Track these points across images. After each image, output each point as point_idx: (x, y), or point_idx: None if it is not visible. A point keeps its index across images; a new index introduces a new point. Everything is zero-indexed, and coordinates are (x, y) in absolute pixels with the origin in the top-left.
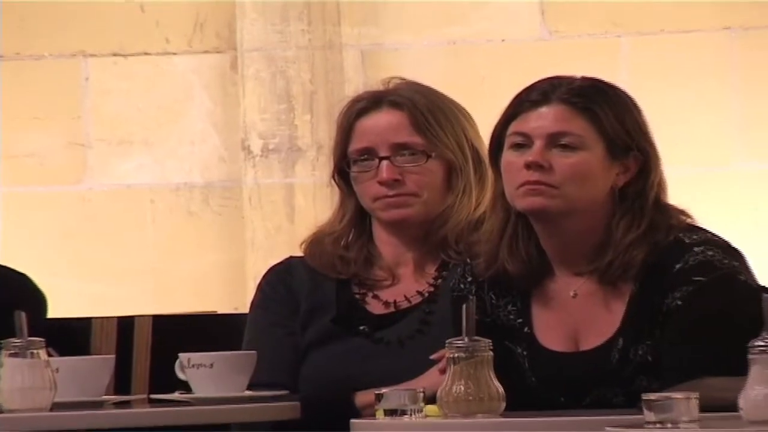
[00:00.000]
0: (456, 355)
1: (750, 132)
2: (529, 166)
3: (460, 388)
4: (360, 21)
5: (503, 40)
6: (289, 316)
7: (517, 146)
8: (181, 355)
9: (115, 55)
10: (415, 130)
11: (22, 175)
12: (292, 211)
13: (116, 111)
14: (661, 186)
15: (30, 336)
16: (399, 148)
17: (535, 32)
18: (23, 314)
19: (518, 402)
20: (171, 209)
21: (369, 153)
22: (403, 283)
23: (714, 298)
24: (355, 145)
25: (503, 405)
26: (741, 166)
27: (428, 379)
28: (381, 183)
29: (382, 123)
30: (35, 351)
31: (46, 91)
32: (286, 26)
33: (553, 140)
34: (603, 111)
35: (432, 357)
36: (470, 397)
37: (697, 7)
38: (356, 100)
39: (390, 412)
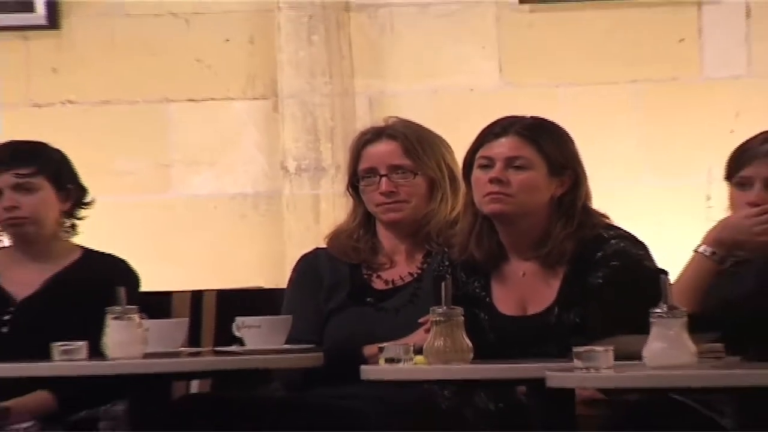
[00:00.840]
0: (437, 319)
1: (653, 158)
2: (491, 181)
3: (440, 343)
4: (368, 75)
5: (471, 90)
6: (315, 291)
7: (483, 167)
8: (237, 318)
9: (189, 100)
10: (405, 155)
11: (123, 188)
12: (318, 214)
13: (190, 141)
14: (587, 196)
15: (127, 305)
16: (394, 168)
17: (495, 84)
18: (122, 289)
19: (482, 353)
20: (229, 213)
21: (372, 172)
22: (399, 266)
23: (625, 278)
24: (362, 165)
25: (471, 355)
26: (647, 182)
27: (417, 337)
28: (381, 193)
29: (382, 150)
30: (131, 315)
31: (141, 127)
32: (313, 79)
33: (509, 162)
34: (545, 141)
35: (420, 320)
36: (447, 350)
37: (612, 65)
38: (363, 133)
39: (389, 361)
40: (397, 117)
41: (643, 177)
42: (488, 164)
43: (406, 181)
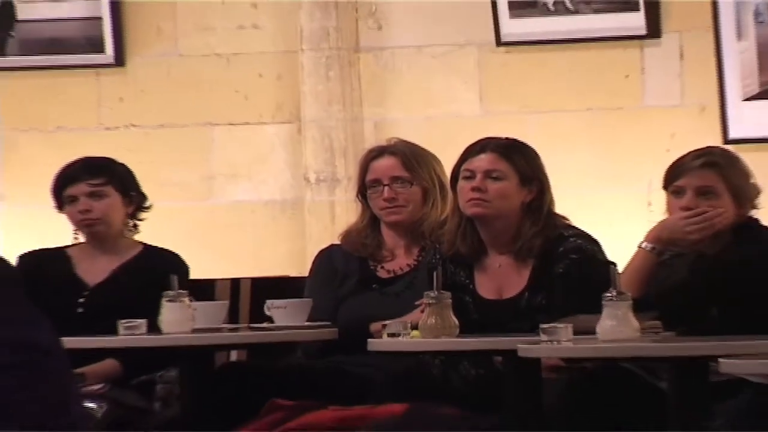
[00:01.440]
0: (430, 301)
1: (605, 171)
2: (473, 189)
3: (432, 321)
4: (374, 104)
5: (457, 116)
6: (331, 279)
7: (466, 177)
8: (267, 300)
9: (229, 124)
10: (404, 168)
11: (176, 195)
12: (334, 217)
13: (231, 157)
14: (551, 202)
15: (179, 290)
16: (395, 179)
17: (476, 111)
18: (175, 277)
19: (466, 330)
20: (262, 216)
21: (377, 182)
22: (399, 259)
23: (582, 269)
24: (369, 177)
25: (457, 331)
26: (599, 191)
27: (413, 316)
28: (384, 200)
29: (384, 164)
30: (182, 298)
31: (191, 146)
32: (330, 107)
33: (487, 174)
34: (517, 157)
35: (416, 303)
36: (438, 326)
37: (571, 96)
38: (370, 151)
39: (391, 335)
40: (397, 138)
41: (596, 186)
42: (470, 176)
43: (405, 189)
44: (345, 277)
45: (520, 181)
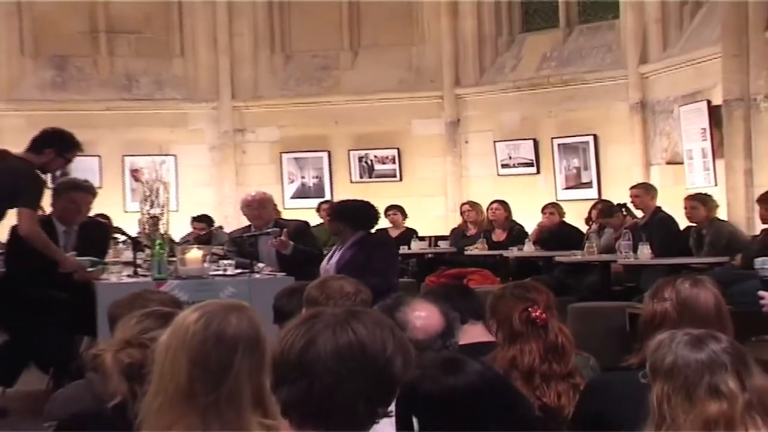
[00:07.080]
0: (481, 240)
1: (523, 208)
2: (492, 214)
3: (480, 246)
4: (465, 196)
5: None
6: (455, 236)
7: (491, 209)
8: (439, 241)
9: (422, 196)
10: (470, 207)
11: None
12: (456, 220)
13: (427, 206)
14: (511, 215)
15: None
16: (469, 211)
17: (491, 192)
18: (413, 235)
19: (489, 249)
20: (438, 220)
21: (464, 212)
22: (472, 230)
23: (520, 234)
24: (461, 210)
25: (487, 249)
26: (522, 213)
27: (477, 245)
28: (467, 216)
29: (465, 207)
30: (415, 239)
31: (418, 211)
32: (455, 192)
33: (495, 209)
34: (503, 205)
35: (478, 241)
36: (481, 248)
37: (512, 190)
38: (462, 204)
39: (467, 250)
40: (468, 200)
41: (521, 214)
42: (491, 210)
43: (473, 212)
44: (458, 236)
45: (504, 211)
